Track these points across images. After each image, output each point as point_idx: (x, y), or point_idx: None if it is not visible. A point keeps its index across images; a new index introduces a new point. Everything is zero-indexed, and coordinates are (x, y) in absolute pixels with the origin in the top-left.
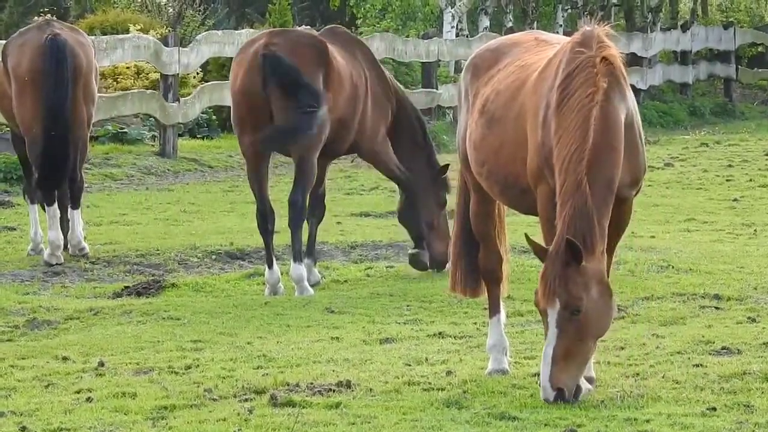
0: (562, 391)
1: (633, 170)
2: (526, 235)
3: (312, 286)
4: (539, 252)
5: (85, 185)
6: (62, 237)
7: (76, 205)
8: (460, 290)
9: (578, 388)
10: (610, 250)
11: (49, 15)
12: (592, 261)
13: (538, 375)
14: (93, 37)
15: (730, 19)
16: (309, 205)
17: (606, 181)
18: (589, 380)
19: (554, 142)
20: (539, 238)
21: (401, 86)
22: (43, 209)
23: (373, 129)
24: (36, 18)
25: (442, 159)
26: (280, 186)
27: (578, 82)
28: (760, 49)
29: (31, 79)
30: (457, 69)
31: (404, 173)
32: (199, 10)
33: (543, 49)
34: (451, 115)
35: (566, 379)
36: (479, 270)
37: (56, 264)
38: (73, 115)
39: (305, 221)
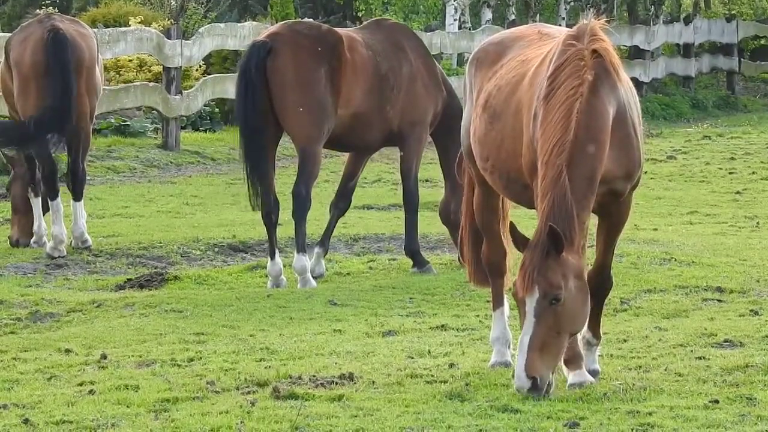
0: (536, 381)
1: (626, 164)
2: (512, 224)
3: (316, 278)
4: (521, 243)
5: (88, 178)
6: (65, 231)
7: (78, 197)
8: (478, 283)
9: (550, 383)
10: (610, 246)
11: (51, 8)
12: (572, 254)
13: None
14: (95, 30)
15: (733, 12)
16: (335, 197)
17: (587, 174)
18: (593, 373)
19: (539, 134)
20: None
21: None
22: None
23: (414, 120)
24: (38, 11)
25: None
26: (283, 179)
27: (565, 74)
28: (762, 41)
29: (34, 74)
30: (460, 62)
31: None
32: (202, 3)
33: (545, 43)
34: None
35: (541, 369)
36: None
37: (58, 257)
38: (76, 107)
39: (328, 212)
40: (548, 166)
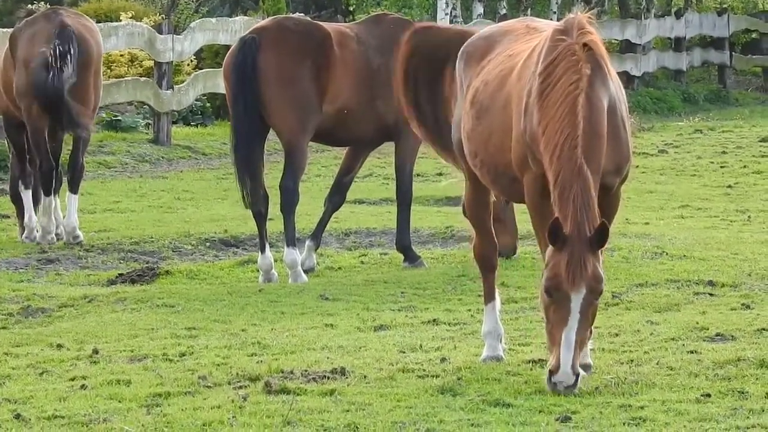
0: (578, 376)
1: (616, 157)
2: (557, 219)
3: (306, 272)
4: (560, 240)
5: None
6: (54, 224)
7: (75, 190)
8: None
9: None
10: None
11: (43, 3)
12: None
13: (539, 361)
14: None
15: (724, 6)
16: (330, 191)
17: (595, 169)
18: (585, 367)
19: (540, 131)
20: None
21: None
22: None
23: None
24: (30, 6)
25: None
26: (273, 173)
27: (561, 69)
28: (754, 35)
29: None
30: None
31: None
32: None
33: (533, 38)
34: None
35: (579, 364)
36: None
37: (49, 246)
38: (83, 100)
39: (323, 206)
40: (562, 161)
